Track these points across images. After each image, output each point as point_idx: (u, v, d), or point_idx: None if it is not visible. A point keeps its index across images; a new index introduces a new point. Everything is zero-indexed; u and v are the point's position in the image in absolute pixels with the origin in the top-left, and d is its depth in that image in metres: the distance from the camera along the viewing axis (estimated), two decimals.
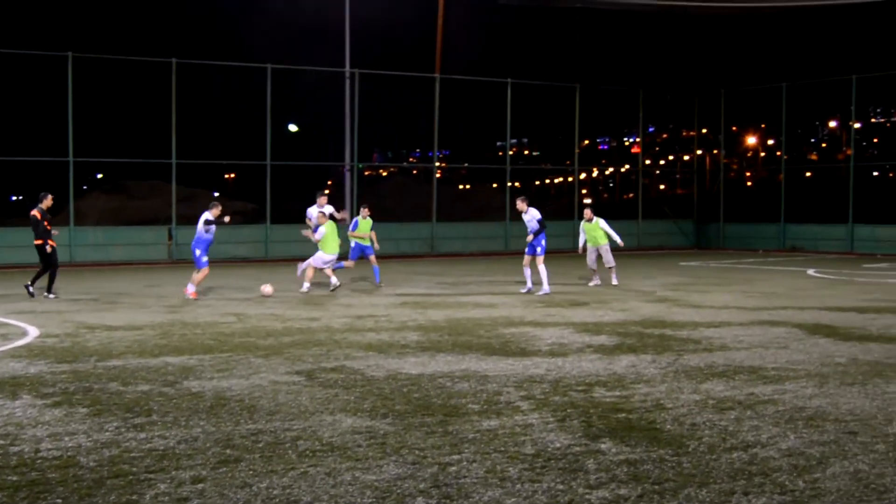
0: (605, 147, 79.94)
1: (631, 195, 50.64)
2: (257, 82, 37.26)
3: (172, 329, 15.55)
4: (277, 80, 37.37)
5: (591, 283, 24.31)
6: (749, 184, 62.34)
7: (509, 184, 43.48)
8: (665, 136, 71.83)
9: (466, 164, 62.68)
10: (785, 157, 46.69)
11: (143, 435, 8.26)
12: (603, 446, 7.86)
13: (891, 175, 65.41)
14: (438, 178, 42.99)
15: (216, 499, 6.55)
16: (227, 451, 7.71)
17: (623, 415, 9.04)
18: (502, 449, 7.77)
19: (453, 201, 51.19)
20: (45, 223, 21.32)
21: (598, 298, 20.71)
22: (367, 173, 58.72)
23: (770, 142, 62.36)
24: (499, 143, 55.23)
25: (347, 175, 40.36)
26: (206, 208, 21.32)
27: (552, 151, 68.14)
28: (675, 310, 18.46)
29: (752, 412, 9.15)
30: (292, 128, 45.63)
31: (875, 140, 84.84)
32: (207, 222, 20.95)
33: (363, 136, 40.46)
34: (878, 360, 12.26)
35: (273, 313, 17.89)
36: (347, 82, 39.64)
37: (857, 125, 48.72)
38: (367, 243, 24.70)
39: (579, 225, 24.95)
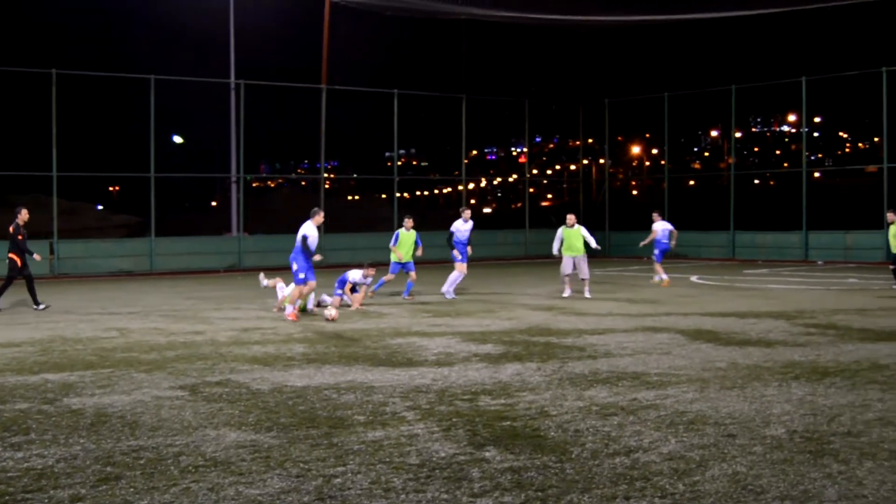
0: (493, 157, 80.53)
1: (518, 205, 51.02)
2: (141, 93, 36.74)
3: (52, 345, 15.22)
4: (161, 91, 36.89)
5: (564, 294, 23.68)
6: (634, 193, 63.29)
7: (398, 194, 43.49)
8: (552, 146, 72.64)
9: (355, 175, 62.59)
10: (668, 165, 47.51)
11: (20, 454, 8.06)
12: (487, 454, 7.89)
13: (771, 183, 66.91)
14: (327, 189, 42.84)
15: None
16: (108, 469, 7.56)
17: (508, 423, 9.09)
18: (387, 460, 7.76)
19: (342, 212, 51.11)
20: (20, 237, 21.26)
21: (485, 308, 20.82)
22: (254, 185, 58.34)
23: (654, 151, 63.40)
24: (387, 154, 55.26)
25: (234, 187, 40.00)
26: (310, 215, 19.29)
27: (440, 162, 68.44)
28: (560, 318, 18.64)
29: (635, 417, 9.27)
30: (177, 139, 45.13)
31: (756, 149, 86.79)
32: (305, 239, 18.93)
33: (250, 147, 40.15)
34: (757, 363, 12.52)
35: (157, 327, 17.62)
36: (233, 94, 39.31)
37: (737, 134, 49.79)
38: (408, 259, 23.44)
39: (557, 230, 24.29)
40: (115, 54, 52.70)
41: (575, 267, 23.76)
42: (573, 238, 23.79)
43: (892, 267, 25.97)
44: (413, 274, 23.52)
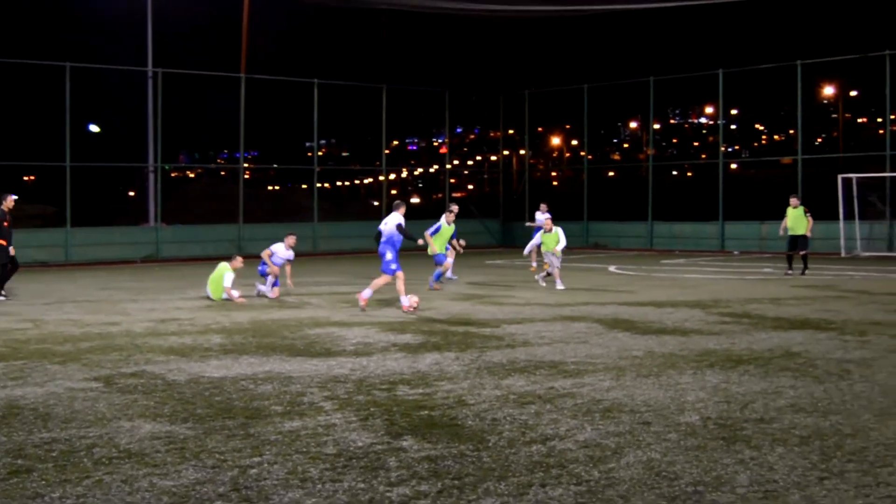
0: (414, 148, 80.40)
1: (439, 195, 51.03)
2: (56, 81, 36.13)
3: None
4: (77, 78, 36.31)
5: (539, 276, 23.83)
6: (555, 183, 63.60)
7: (318, 185, 43.27)
8: (472, 136, 72.69)
9: (275, 165, 62.18)
10: (588, 156, 47.85)
11: None
12: (405, 444, 7.89)
13: (689, 174, 67.64)
14: (247, 180, 42.52)
15: None
16: (19, 462, 7.44)
17: (426, 412, 9.10)
18: (304, 450, 7.73)
19: (262, 202, 50.75)
20: (5, 223, 21.02)
21: None
22: (173, 175, 57.65)
23: (574, 142, 63.76)
24: (307, 144, 54.96)
25: (151, 177, 39.53)
26: (394, 208, 19.38)
27: (361, 152, 68.20)
28: (479, 307, 18.71)
29: (552, 406, 9.33)
30: (94, 128, 44.46)
31: (674, 140, 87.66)
32: (401, 226, 18.75)
33: (168, 136, 39.70)
34: (673, 352, 12.67)
35: (71, 318, 17.37)
36: (150, 82, 38.84)
37: (656, 126, 50.33)
38: (441, 252, 23.27)
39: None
40: (29, 41, 51.74)
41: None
42: (550, 241, 23.23)
43: (787, 253, 27.14)
44: (448, 263, 23.51)
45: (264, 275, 21.70)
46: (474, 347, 13.25)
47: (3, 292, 21.06)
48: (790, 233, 26.33)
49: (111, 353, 13.09)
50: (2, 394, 10.17)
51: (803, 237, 26.09)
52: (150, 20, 39.15)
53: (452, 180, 50.72)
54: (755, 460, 7.32)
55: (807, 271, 25.93)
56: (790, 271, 26.15)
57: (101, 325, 16.27)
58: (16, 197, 21.93)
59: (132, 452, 7.68)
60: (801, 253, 26.19)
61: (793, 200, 26.71)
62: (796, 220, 26.25)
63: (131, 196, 51.72)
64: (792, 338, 14.01)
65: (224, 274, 20.55)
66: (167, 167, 45.56)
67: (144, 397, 9.92)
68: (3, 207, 21.12)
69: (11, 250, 21.29)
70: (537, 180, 54.82)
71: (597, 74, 47.89)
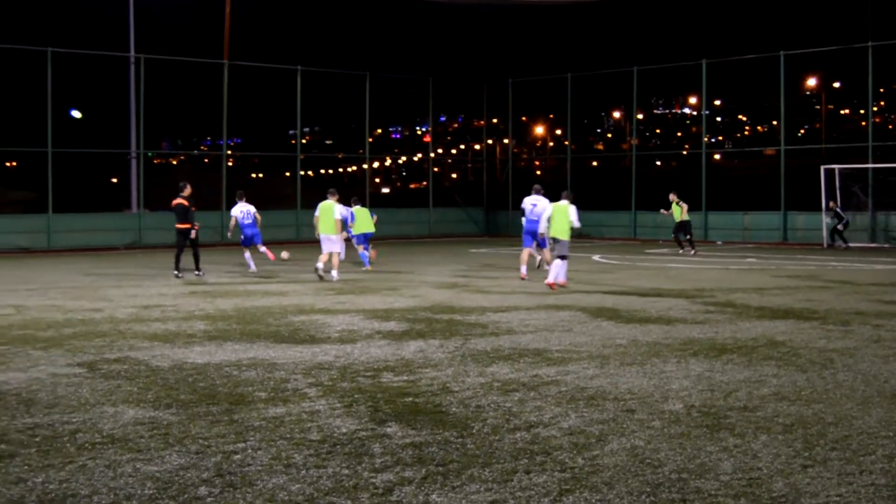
0: (398, 136, 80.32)
1: (423, 184, 51.02)
2: (38, 66, 35.94)
3: None
4: (59, 64, 36.12)
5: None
6: (538, 173, 63.63)
7: (301, 172, 43.18)
8: (456, 125, 72.69)
9: (258, 153, 62.04)
10: (572, 146, 47.88)
11: None
12: (389, 430, 7.89)
13: (673, 164, 67.77)
14: (230, 167, 42.39)
15: None
16: (2, 447, 7.40)
17: (410, 399, 9.10)
18: (288, 436, 7.71)
19: (245, 189, 50.62)
20: (193, 209, 23.39)
21: (389, 286, 20.80)
22: (155, 161, 57.47)
23: (558, 131, 63.83)
24: (291, 132, 54.83)
25: (134, 163, 39.39)
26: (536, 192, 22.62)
27: (345, 140, 68.10)
28: (464, 295, 18.71)
29: (536, 393, 9.34)
30: (76, 114, 44.28)
31: (658, 130, 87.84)
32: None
33: (151, 123, 39.57)
34: (657, 340, 12.69)
35: (55, 304, 17.31)
36: (132, 68, 38.67)
37: (639, 116, 50.35)
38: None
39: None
40: (10, 25, 51.46)
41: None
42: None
43: (673, 235, 32.04)
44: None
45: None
46: (458, 335, 13.25)
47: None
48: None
49: (95, 338, 13.05)
50: None
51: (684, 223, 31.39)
52: (132, 5, 38.96)
53: (436, 169, 50.67)
54: (739, 448, 7.34)
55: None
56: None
57: (85, 311, 16.21)
58: None
59: (116, 438, 7.66)
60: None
61: (671, 196, 31.85)
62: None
63: (114, 182, 51.57)
64: (775, 327, 14.05)
65: (334, 208, 22.69)
66: (150, 154, 45.41)
67: (128, 383, 9.89)
68: (184, 194, 23.37)
69: (194, 231, 23.59)
70: (521, 169, 54.85)
71: (581, 64, 47.87)
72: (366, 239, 25.81)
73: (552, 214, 20.55)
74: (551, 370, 10.55)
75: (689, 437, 7.65)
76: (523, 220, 22.98)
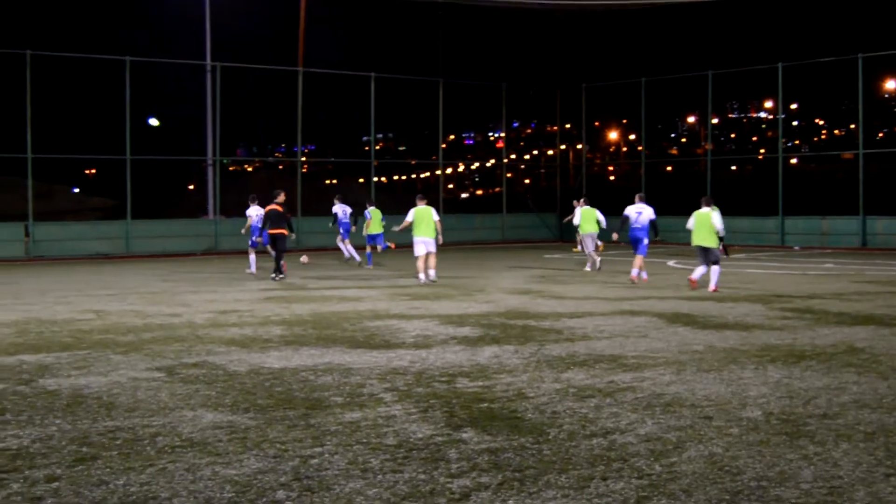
0: (471, 142, 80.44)
1: (497, 189, 51.01)
2: (116, 75, 36.52)
3: (29, 327, 15.14)
4: (137, 73, 36.67)
5: (587, 268, 26.65)
6: (612, 178, 63.34)
7: (375, 179, 43.39)
8: (529, 130, 72.60)
9: (332, 159, 62.44)
10: (645, 151, 47.57)
11: None
12: (465, 436, 7.88)
13: (748, 168, 67.08)
14: (304, 173, 42.71)
15: (71, 497, 6.38)
16: (84, 449, 7.52)
17: (485, 404, 9.09)
18: (364, 441, 7.74)
19: (319, 196, 50.97)
20: (288, 215, 24.72)
21: (464, 291, 20.81)
22: (231, 168, 58.11)
23: (631, 136, 63.48)
24: (364, 138, 55.12)
25: (210, 170, 39.85)
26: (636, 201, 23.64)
27: (418, 146, 68.34)
28: (538, 301, 18.66)
29: (612, 399, 9.28)
30: (153, 122, 44.90)
31: (732, 135, 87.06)
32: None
33: (226, 130, 40.03)
34: (734, 346, 12.56)
35: (134, 309, 17.55)
36: (209, 76, 39.13)
37: (714, 120, 49.92)
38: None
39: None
40: (90, 36, 52.33)
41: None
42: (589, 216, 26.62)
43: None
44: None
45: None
46: (533, 341, 13.22)
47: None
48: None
49: (173, 343, 13.21)
50: (66, 382, 10.29)
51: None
52: (208, 14, 39.43)
53: (509, 175, 50.62)
54: (819, 456, 7.24)
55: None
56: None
57: (163, 316, 16.42)
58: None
59: (195, 441, 7.74)
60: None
61: (575, 203, 30.02)
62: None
63: (190, 189, 52.21)
64: (855, 333, 13.83)
65: (432, 211, 23.47)
66: (225, 161, 45.90)
67: (206, 387, 10.00)
68: (279, 200, 24.40)
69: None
70: (594, 175, 54.61)
71: (655, 68, 47.57)
72: (373, 239, 29.17)
73: (695, 222, 21.07)
74: (627, 376, 10.49)
75: (768, 445, 7.55)
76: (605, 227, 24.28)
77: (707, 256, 20.80)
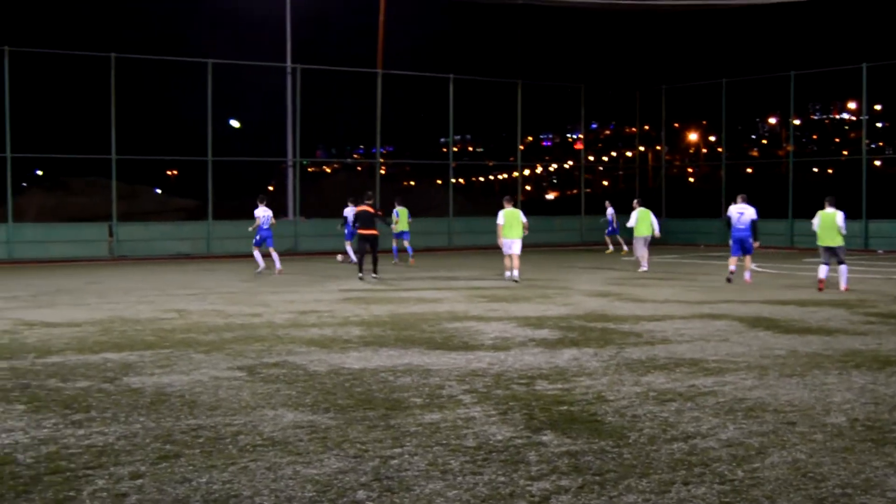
0: (549, 143, 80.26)
1: (574, 191, 50.83)
2: (198, 77, 37.00)
3: (112, 325, 15.39)
4: (218, 75, 37.11)
5: (640, 269, 27.29)
6: (691, 180, 62.83)
7: (453, 180, 43.46)
8: (608, 132, 72.28)
9: (410, 160, 62.67)
10: (725, 153, 47.10)
11: (81, 431, 8.15)
12: (545, 438, 7.87)
13: (830, 171, 66.14)
14: (382, 175, 42.90)
15: (155, 494, 6.48)
16: (167, 447, 7.63)
17: (565, 407, 9.06)
18: (444, 442, 7.76)
19: (397, 197, 51.23)
20: (380, 213, 25.49)
21: (542, 293, 20.76)
22: (310, 170, 58.53)
23: (711, 138, 62.92)
24: (442, 140, 55.24)
25: (290, 171, 40.19)
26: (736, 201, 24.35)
27: (496, 148, 68.33)
28: (617, 304, 18.56)
29: (693, 404, 9.21)
30: (234, 123, 45.41)
31: (815, 136, 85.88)
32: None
33: (306, 131, 40.35)
34: (817, 351, 12.38)
35: (215, 309, 17.75)
36: (289, 78, 39.48)
37: (796, 121, 49.24)
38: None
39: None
40: (172, 38, 53.08)
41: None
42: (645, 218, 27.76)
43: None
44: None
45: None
46: (613, 344, 13.15)
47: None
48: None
49: (254, 343, 13.34)
50: (150, 381, 10.44)
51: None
52: (289, 17, 39.77)
53: (588, 176, 50.42)
54: None
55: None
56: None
57: (244, 316, 16.59)
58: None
59: (276, 440, 7.81)
60: None
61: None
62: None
63: (270, 190, 52.70)
64: None
65: (520, 213, 24.22)
66: (305, 162, 46.24)
67: (287, 387, 10.08)
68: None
69: None
70: (673, 176, 54.18)
71: (735, 69, 47.11)
72: (401, 235, 30.98)
73: (820, 223, 21.53)
74: (708, 380, 10.39)
75: (853, 452, 7.44)
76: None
77: (834, 256, 21.19)
